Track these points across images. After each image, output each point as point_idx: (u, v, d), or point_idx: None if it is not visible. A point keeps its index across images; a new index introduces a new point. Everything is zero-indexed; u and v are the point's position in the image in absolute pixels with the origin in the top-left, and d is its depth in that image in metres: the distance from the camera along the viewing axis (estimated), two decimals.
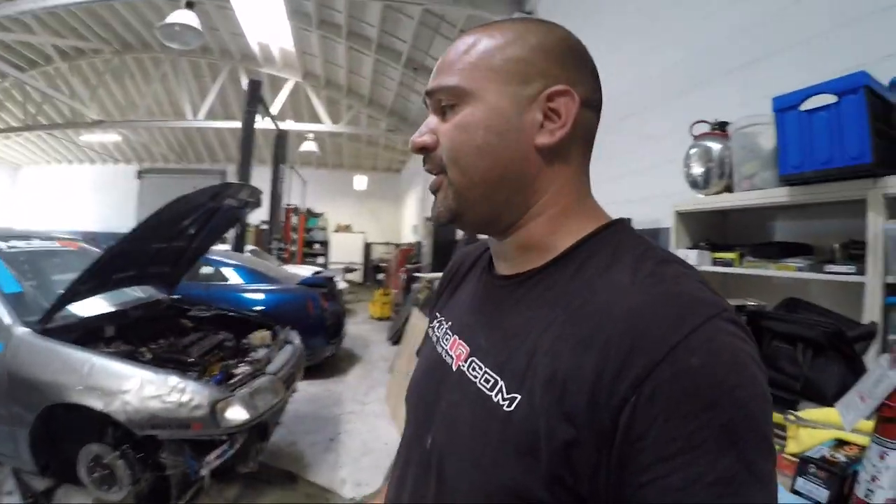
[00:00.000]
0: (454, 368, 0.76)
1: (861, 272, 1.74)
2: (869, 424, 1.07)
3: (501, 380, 0.65)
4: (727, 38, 3.03)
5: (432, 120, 0.76)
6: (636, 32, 4.08)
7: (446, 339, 0.83)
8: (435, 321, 0.92)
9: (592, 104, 0.72)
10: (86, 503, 2.98)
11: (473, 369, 0.71)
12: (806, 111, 1.81)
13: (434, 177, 0.76)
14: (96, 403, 2.69)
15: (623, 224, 0.73)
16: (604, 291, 0.61)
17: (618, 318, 0.56)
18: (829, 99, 1.74)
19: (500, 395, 0.64)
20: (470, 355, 0.74)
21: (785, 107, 1.89)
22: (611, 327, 0.56)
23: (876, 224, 1.68)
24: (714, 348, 0.52)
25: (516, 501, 0.59)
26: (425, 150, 0.75)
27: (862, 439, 1.19)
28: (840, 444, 1.24)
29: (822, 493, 1.14)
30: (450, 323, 0.86)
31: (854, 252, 1.85)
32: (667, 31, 3.65)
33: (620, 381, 0.52)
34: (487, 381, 0.67)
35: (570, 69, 0.71)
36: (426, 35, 8.51)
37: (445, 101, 0.73)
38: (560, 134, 0.69)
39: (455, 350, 0.78)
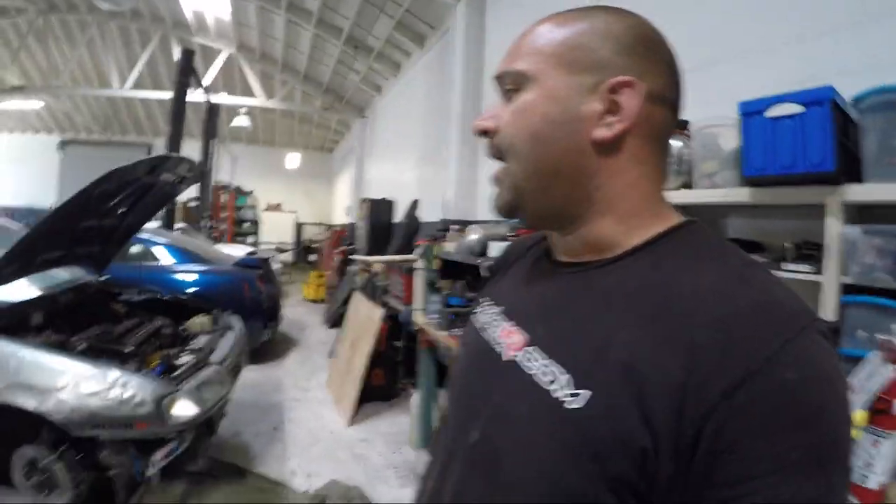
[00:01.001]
0: (506, 358, 0.70)
1: (818, 271, 1.82)
2: (859, 417, 1.13)
3: (563, 373, 0.61)
4: (682, 40, 3.08)
5: (498, 104, 0.73)
6: None
7: (495, 326, 0.78)
8: (479, 308, 0.87)
9: (664, 99, 0.68)
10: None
11: (529, 360, 0.66)
12: (771, 118, 1.86)
13: (497, 170, 0.74)
14: (28, 403, 2.46)
15: (699, 224, 0.69)
16: (688, 292, 0.57)
17: (708, 321, 0.53)
18: (796, 108, 1.80)
19: (561, 391, 0.59)
20: (526, 345, 0.69)
21: (751, 111, 1.94)
22: (700, 331, 0.53)
23: (834, 227, 1.76)
24: (809, 362, 0.50)
25: None
26: (486, 134, 0.73)
27: None
28: None
29: None
30: (498, 308, 0.81)
31: (806, 252, 1.93)
32: None
33: (710, 389, 0.49)
34: (546, 374, 0.62)
35: (639, 60, 0.66)
36: (370, 13, 8.27)
37: (509, 86, 0.70)
38: (619, 127, 0.65)
39: (507, 338, 0.73)
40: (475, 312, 0.88)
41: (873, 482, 1.08)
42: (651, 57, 0.67)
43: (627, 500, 0.53)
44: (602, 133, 0.65)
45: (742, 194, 2.07)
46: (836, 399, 0.51)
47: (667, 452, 0.51)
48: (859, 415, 1.11)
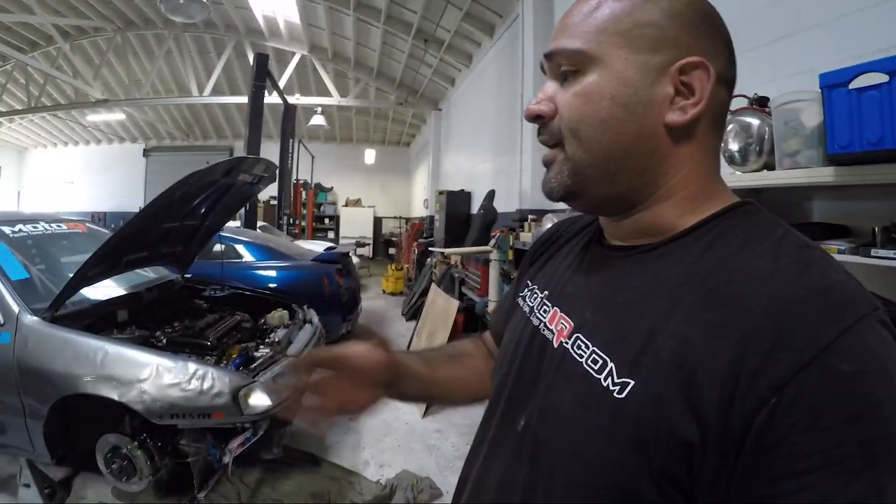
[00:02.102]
0: (556, 345, 0.69)
1: None
2: None
3: (611, 361, 0.59)
4: (756, 12, 2.90)
5: (550, 86, 0.69)
6: None
7: (543, 311, 0.76)
8: (526, 290, 0.86)
9: (727, 80, 0.66)
10: (105, 491, 2.93)
11: (579, 347, 0.65)
12: (855, 89, 1.71)
13: (548, 149, 0.70)
14: (112, 393, 2.61)
15: (754, 205, 0.66)
16: (742, 276, 0.54)
17: (760, 308, 0.50)
18: (881, 77, 1.65)
19: (609, 379, 0.58)
20: (574, 331, 0.67)
21: (833, 84, 1.79)
22: (751, 318, 0.50)
23: None
24: (866, 353, 0.47)
25: (621, 500, 0.55)
26: (540, 119, 0.69)
27: None
28: None
29: None
30: (546, 292, 0.79)
31: None
32: None
33: (760, 380, 0.47)
34: (595, 361, 0.61)
35: (704, 39, 0.63)
36: (438, 5, 8.26)
37: (566, 67, 0.66)
38: (693, 112, 0.62)
39: (556, 324, 0.72)
40: (522, 295, 0.86)
41: None
42: (714, 35, 0.65)
43: (671, 493, 0.52)
44: (675, 117, 0.63)
45: (826, 174, 1.92)
46: (892, 394, 0.46)
47: (714, 446, 0.49)
48: None
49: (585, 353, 0.63)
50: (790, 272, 0.53)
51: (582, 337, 0.65)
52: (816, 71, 1.86)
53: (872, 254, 1.81)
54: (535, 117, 0.69)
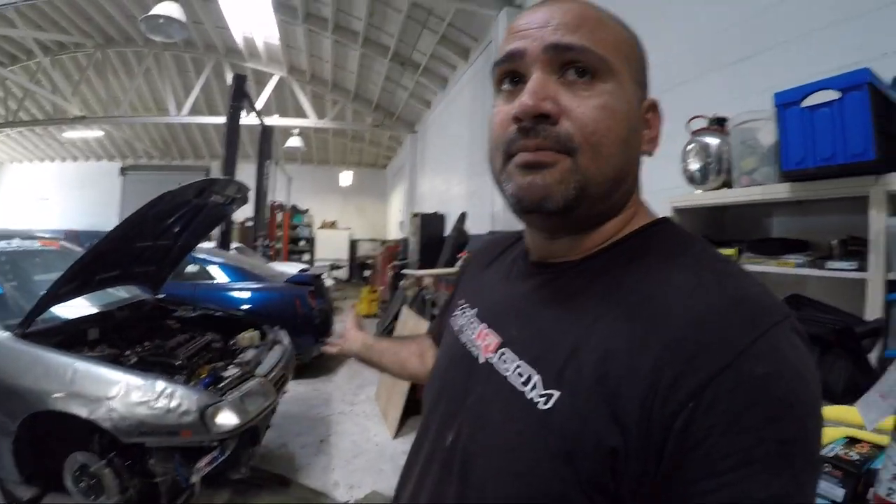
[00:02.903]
0: (481, 360, 0.71)
1: (862, 268, 1.74)
2: (888, 423, 1.05)
3: (537, 374, 0.60)
4: (719, 33, 3.00)
5: (549, 83, 0.62)
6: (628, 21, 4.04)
7: (472, 328, 0.78)
8: (457, 309, 0.87)
9: None
10: None
11: (504, 361, 0.66)
12: (808, 107, 1.79)
13: (540, 151, 0.61)
14: (81, 411, 2.60)
15: (671, 222, 0.70)
16: (665, 290, 0.57)
17: (681, 320, 0.53)
18: (832, 95, 1.72)
19: (534, 392, 0.59)
20: (500, 346, 0.69)
21: (787, 102, 1.86)
22: (673, 330, 0.52)
23: (878, 221, 1.68)
24: (779, 357, 0.49)
25: None
26: (544, 120, 0.61)
27: (874, 437, 1.18)
28: (852, 441, 1.22)
29: (839, 492, 1.12)
30: (475, 310, 0.81)
31: (853, 248, 1.85)
32: (658, 22, 3.58)
33: (679, 386, 0.49)
34: (521, 374, 0.62)
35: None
36: (414, 29, 8.40)
37: (581, 64, 0.61)
38: (653, 145, 0.70)
39: (483, 340, 0.73)
40: (454, 315, 0.87)
41: None
42: None
43: (598, 501, 0.53)
44: (647, 148, 0.69)
45: (782, 190, 2.00)
46: (807, 395, 0.50)
47: (636, 452, 0.50)
48: (889, 419, 1.03)
49: (511, 367, 0.64)
50: (709, 285, 0.55)
51: (508, 351, 0.67)
52: (777, 90, 1.94)
53: (827, 266, 1.87)
54: (538, 116, 0.61)
